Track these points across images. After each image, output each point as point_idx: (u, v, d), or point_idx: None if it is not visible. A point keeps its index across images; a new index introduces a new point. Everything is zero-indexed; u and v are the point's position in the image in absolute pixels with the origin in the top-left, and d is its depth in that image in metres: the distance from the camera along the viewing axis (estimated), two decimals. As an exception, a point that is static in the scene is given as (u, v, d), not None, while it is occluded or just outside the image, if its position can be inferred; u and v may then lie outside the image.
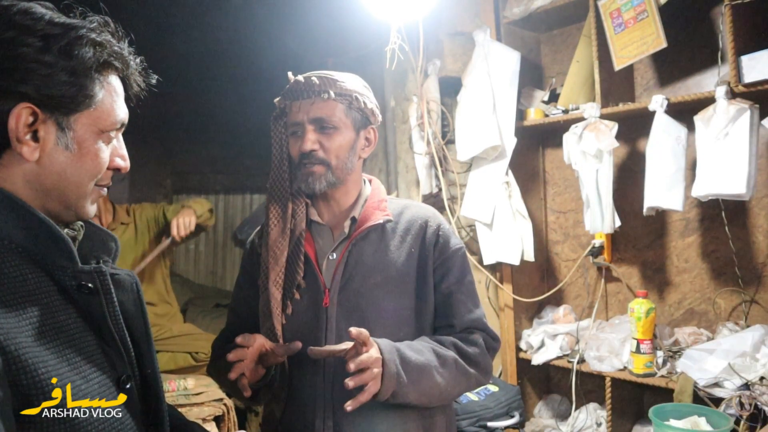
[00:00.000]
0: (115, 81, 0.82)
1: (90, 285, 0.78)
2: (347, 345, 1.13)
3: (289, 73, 1.30)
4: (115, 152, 0.84)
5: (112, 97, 0.81)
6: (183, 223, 2.63)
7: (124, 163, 0.85)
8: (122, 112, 0.83)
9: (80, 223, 0.86)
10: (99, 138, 0.80)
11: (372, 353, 1.12)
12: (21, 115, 0.73)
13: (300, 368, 1.26)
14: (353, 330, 1.10)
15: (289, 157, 1.30)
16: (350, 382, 1.09)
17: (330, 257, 1.29)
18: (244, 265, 1.42)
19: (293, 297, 1.26)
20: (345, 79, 1.27)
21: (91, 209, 0.84)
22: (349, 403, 1.10)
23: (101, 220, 2.71)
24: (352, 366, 1.08)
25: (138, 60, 0.85)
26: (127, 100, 0.85)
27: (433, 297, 1.30)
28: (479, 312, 1.33)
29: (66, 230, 0.82)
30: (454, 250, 1.33)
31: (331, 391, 1.23)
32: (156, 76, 0.88)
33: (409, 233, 1.31)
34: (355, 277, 1.26)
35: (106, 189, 0.86)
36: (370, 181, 1.39)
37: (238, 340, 1.14)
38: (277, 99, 1.32)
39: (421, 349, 1.20)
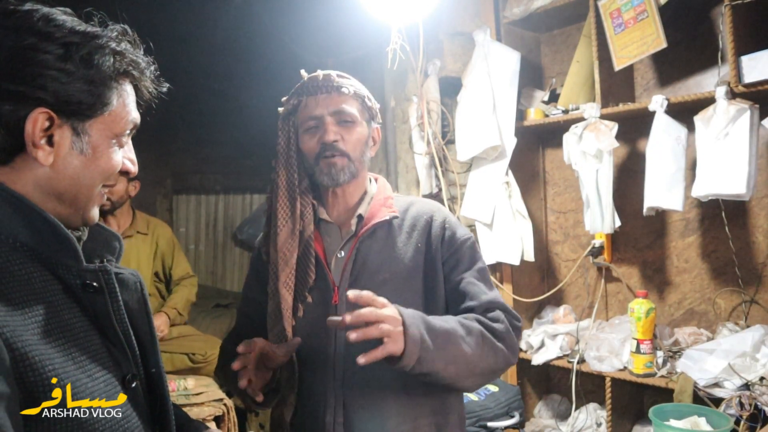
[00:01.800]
0: (128, 87, 0.83)
1: (95, 284, 0.78)
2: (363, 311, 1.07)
3: (302, 71, 1.31)
4: (125, 155, 0.84)
5: (126, 102, 0.81)
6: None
7: (133, 166, 0.86)
8: (134, 116, 0.83)
9: None
10: (113, 141, 0.81)
11: (384, 311, 1.05)
12: (37, 120, 0.73)
13: (310, 365, 1.25)
14: (350, 293, 1.04)
15: (298, 156, 1.30)
16: (352, 335, 1.02)
17: (338, 255, 1.29)
18: (253, 266, 1.42)
19: (305, 300, 1.26)
20: (355, 80, 1.32)
21: (96, 213, 0.84)
22: (361, 355, 1.03)
23: (119, 223, 2.80)
24: (347, 318, 1.01)
25: (152, 68, 0.85)
26: (137, 105, 0.85)
27: (443, 291, 1.28)
28: (496, 293, 1.30)
29: (71, 230, 0.82)
30: (462, 240, 1.31)
31: (341, 386, 1.22)
32: (167, 85, 0.88)
33: (416, 229, 1.31)
34: (364, 275, 1.26)
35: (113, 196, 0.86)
36: (375, 180, 1.40)
37: (240, 349, 1.12)
38: (287, 97, 1.32)
39: (446, 319, 1.17)
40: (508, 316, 1.26)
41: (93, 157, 0.78)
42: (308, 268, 1.26)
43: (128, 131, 0.83)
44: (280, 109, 1.34)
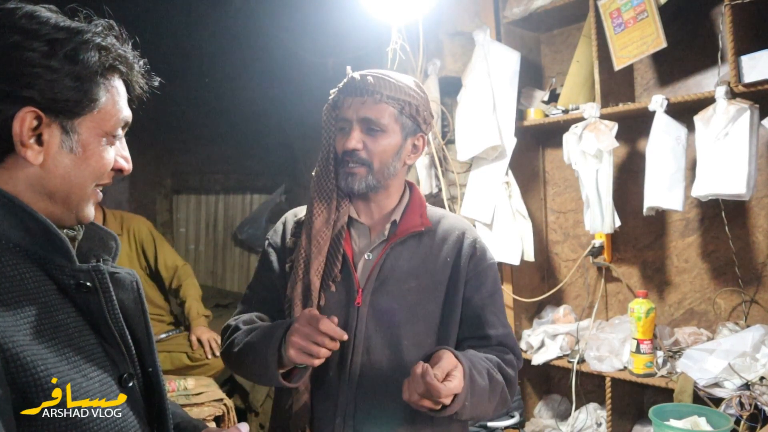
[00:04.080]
0: (118, 83, 0.82)
1: (88, 284, 0.77)
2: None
3: (348, 68, 1.28)
4: (118, 153, 0.84)
5: (116, 99, 0.81)
6: (214, 345, 2.70)
7: (127, 164, 0.85)
8: (125, 114, 0.83)
9: None
10: (103, 140, 0.80)
11: (449, 388, 1.04)
12: (25, 119, 0.72)
13: (326, 364, 1.23)
14: (429, 378, 1.02)
15: (336, 150, 1.29)
16: (411, 399, 1.05)
17: (366, 257, 1.28)
18: (272, 245, 1.37)
19: (328, 289, 1.26)
20: (401, 82, 1.24)
21: (91, 212, 0.84)
22: (407, 397, 1.05)
23: None
24: (415, 396, 1.03)
25: (141, 62, 0.85)
26: (129, 101, 0.85)
27: (460, 308, 1.28)
28: (510, 328, 1.34)
29: (66, 230, 0.82)
30: (489, 264, 1.33)
31: (355, 389, 1.22)
32: (159, 79, 0.88)
33: (446, 243, 1.30)
34: (390, 281, 1.25)
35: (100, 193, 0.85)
36: (412, 186, 1.37)
37: (330, 329, 1.09)
38: (334, 90, 1.30)
39: (481, 371, 1.17)
40: (514, 358, 1.31)
41: (83, 155, 0.78)
42: (336, 259, 1.26)
43: (120, 129, 0.82)
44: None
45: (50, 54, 0.73)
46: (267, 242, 1.40)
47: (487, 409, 1.21)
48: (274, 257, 1.36)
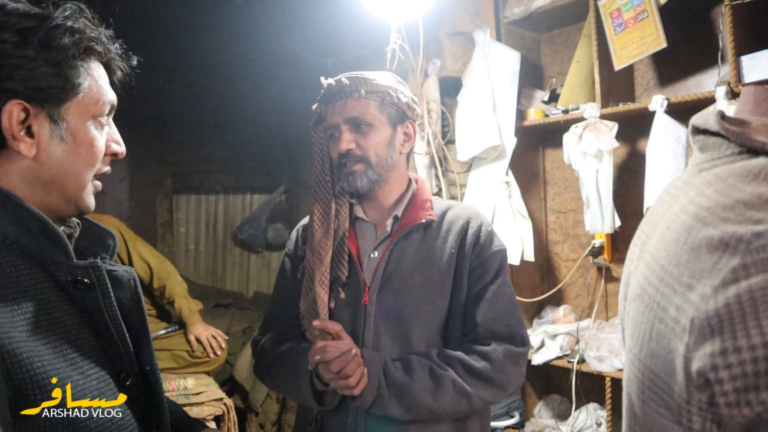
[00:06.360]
0: (96, 65, 0.81)
1: (86, 281, 0.77)
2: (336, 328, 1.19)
3: (322, 78, 1.31)
4: (110, 138, 0.84)
5: (98, 83, 0.80)
6: (214, 343, 2.66)
7: (120, 147, 0.85)
8: (110, 96, 0.82)
9: (76, 220, 0.86)
10: (92, 125, 0.80)
11: (341, 346, 1.14)
12: (12, 112, 0.72)
13: None
14: (316, 324, 1.17)
15: (331, 160, 1.31)
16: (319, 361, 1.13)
17: (371, 255, 1.29)
18: (287, 254, 1.43)
19: (338, 296, 1.27)
20: (376, 77, 1.28)
21: (91, 201, 0.83)
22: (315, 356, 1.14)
23: None
24: (316, 357, 1.12)
25: (116, 44, 0.84)
26: (113, 85, 0.84)
27: (464, 299, 1.27)
28: (508, 316, 1.25)
29: (62, 227, 0.82)
30: (493, 252, 1.29)
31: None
32: (137, 57, 0.87)
33: (451, 233, 1.29)
34: (396, 277, 1.25)
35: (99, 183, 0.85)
36: (416, 181, 1.38)
37: (317, 324, 1.19)
38: (315, 105, 1.33)
39: (413, 367, 1.18)
40: (509, 347, 1.23)
41: (74, 143, 0.78)
42: (341, 264, 1.27)
43: (107, 112, 0.82)
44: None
45: (23, 43, 0.72)
46: (285, 252, 1.45)
47: (426, 402, 1.16)
48: (288, 266, 1.41)
